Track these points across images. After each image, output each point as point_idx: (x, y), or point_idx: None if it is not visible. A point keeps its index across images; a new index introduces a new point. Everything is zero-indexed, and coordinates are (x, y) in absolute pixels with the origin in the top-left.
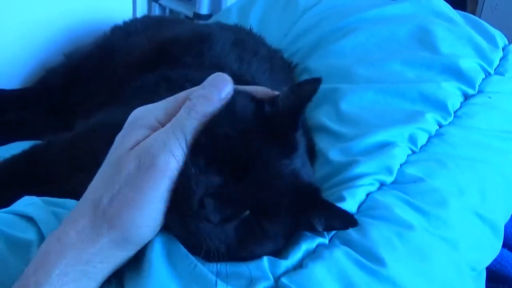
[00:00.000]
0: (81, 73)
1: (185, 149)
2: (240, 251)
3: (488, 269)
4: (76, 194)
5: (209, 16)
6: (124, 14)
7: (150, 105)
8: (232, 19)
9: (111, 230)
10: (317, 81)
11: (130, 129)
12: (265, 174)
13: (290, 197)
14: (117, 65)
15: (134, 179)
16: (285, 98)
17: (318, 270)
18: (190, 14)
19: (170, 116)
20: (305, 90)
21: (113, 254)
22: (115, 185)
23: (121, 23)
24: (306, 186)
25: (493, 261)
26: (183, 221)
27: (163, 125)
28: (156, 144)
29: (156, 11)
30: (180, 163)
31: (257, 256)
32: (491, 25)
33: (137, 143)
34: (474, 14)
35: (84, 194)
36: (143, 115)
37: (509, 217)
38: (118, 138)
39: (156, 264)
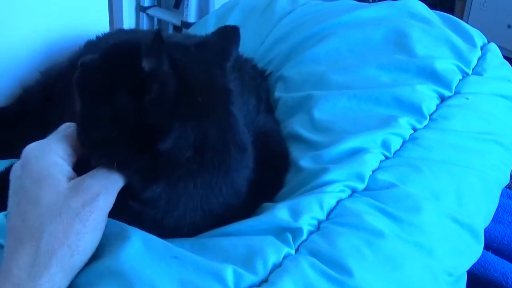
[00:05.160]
0: (57, 90)
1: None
2: None
3: (471, 272)
4: None
5: None
6: (101, 28)
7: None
8: (209, 28)
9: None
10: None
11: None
12: None
13: None
14: None
15: (79, 212)
16: None
17: (284, 286)
18: (178, 23)
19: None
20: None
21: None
22: (56, 218)
23: (94, 38)
24: None
25: (476, 265)
26: None
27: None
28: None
29: (144, 20)
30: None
31: None
32: (480, 22)
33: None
34: (463, 12)
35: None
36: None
37: (490, 219)
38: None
39: None
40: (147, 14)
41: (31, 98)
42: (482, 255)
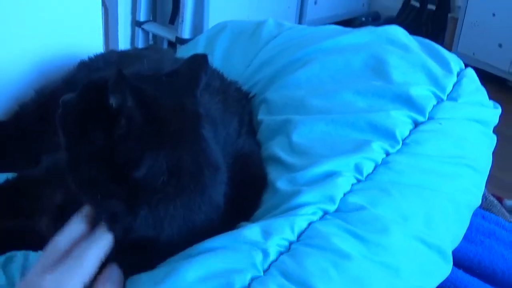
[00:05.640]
0: (51, 109)
1: None
2: None
3: None
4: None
5: (190, 40)
6: (95, 47)
7: None
8: (199, 50)
9: None
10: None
11: None
12: None
13: None
14: None
15: None
16: None
17: None
18: (173, 39)
19: None
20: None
21: None
22: None
23: (87, 59)
24: None
25: (447, 282)
26: None
27: None
28: None
29: (140, 35)
30: None
31: None
32: (471, 41)
33: None
34: (455, 31)
35: None
36: None
37: (460, 240)
38: None
39: None
40: (143, 29)
41: (27, 116)
42: (453, 273)
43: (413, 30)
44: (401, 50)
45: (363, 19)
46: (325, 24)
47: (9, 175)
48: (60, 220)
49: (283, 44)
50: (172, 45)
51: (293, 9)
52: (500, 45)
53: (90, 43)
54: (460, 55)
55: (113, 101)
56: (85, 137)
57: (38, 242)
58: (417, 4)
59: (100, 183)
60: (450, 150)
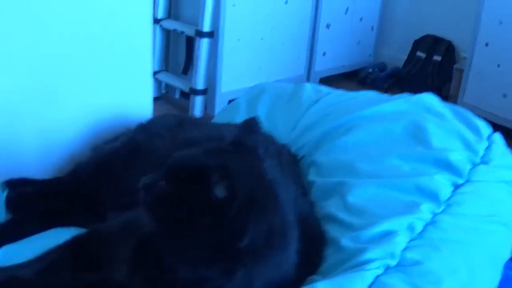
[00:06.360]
0: (109, 169)
1: None
2: None
3: None
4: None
5: (204, 91)
6: (143, 109)
7: None
8: (241, 113)
9: None
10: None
11: None
12: None
13: None
14: (143, 166)
15: None
16: None
17: None
18: (186, 89)
19: None
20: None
21: None
22: None
23: (145, 122)
24: None
25: None
26: None
27: None
28: None
29: (153, 85)
30: None
31: None
32: (477, 91)
33: None
34: (460, 81)
35: None
36: None
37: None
38: None
39: None
40: (156, 78)
41: (85, 173)
42: None
43: (418, 80)
44: (437, 118)
45: (370, 70)
46: (332, 74)
47: (73, 230)
48: (135, 263)
49: (324, 109)
50: (185, 96)
51: (302, 60)
52: (505, 95)
53: (140, 104)
54: (465, 106)
55: (219, 192)
56: (182, 219)
57: None
58: (423, 55)
59: (198, 255)
60: (485, 210)
